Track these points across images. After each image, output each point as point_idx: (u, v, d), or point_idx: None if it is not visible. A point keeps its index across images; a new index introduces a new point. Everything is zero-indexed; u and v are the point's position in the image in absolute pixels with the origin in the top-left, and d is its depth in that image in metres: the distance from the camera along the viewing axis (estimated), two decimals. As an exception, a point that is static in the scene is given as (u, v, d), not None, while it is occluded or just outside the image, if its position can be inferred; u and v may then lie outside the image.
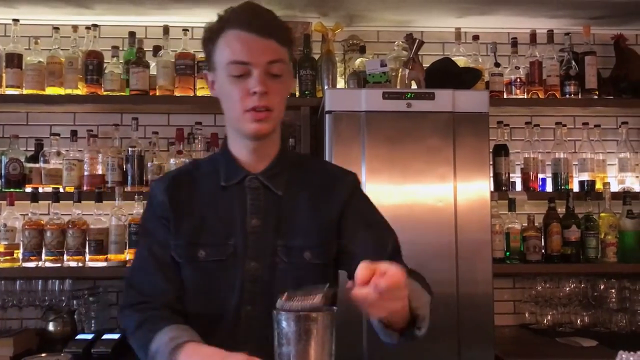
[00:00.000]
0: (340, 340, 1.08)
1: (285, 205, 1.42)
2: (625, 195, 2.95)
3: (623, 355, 0.80)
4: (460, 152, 2.46)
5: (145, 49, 2.93)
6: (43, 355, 2.36)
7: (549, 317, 2.97)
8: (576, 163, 3.12)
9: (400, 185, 2.42)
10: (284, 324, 1.02)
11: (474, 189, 2.47)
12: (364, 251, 1.37)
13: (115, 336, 2.47)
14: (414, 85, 2.72)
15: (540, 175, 3.07)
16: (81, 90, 2.92)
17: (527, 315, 3.07)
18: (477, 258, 2.42)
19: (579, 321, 2.95)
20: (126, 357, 2.38)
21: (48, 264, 2.74)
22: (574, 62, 3.03)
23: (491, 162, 2.86)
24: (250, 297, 1.35)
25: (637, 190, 3.06)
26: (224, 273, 1.37)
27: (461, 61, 2.97)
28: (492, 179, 2.89)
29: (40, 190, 2.83)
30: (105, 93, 2.90)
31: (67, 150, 2.91)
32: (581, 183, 3.07)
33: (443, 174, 2.45)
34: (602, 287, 2.93)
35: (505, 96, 3.02)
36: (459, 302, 2.38)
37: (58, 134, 2.94)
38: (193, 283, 1.39)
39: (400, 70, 2.83)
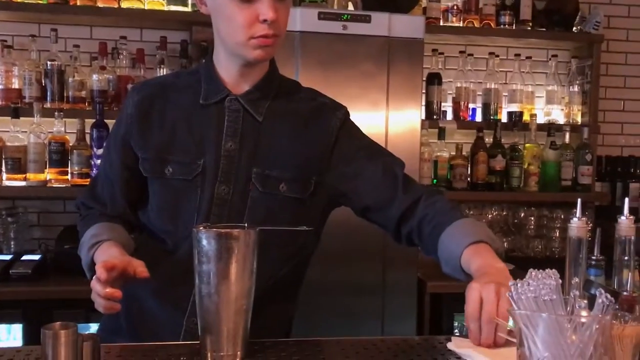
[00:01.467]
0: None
1: (265, 132, 1.34)
2: (550, 127, 3.04)
3: (532, 273, 0.83)
4: (394, 78, 2.44)
5: (64, -47, 2.71)
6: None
7: (471, 243, 3.08)
8: (506, 94, 3.17)
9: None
10: (204, 242, 0.99)
11: (406, 118, 2.47)
12: (373, 185, 1.34)
13: (36, 257, 2.39)
14: (350, 7, 2.65)
15: (471, 105, 3.11)
16: (-7, -4, 2.69)
17: (450, 240, 3.18)
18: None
19: (498, 247, 3.08)
20: (47, 279, 2.32)
21: (-39, 183, 2.60)
22: (510, -8, 3.03)
23: (424, 91, 2.87)
24: (216, 221, 1.27)
25: (562, 123, 3.15)
26: (191, 193, 1.32)
27: (399, -15, 2.91)
28: (424, 107, 2.91)
29: (-51, 103, 2.64)
30: (20, 0, 2.68)
31: (-22, 62, 2.70)
32: (510, 114, 3.13)
33: (376, 101, 2.44)
34: (522, 215, 3.06)
35: (441, 23, 3.00)
36: (386, 226, 2.43)
37: (-32, 44, 2.72)
38: (159, 199, 1.35)
39: (337, -10, 2.74)
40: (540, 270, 0.86)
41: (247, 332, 1.03)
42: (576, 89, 3.15)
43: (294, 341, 1.16)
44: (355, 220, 2.39)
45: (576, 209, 1.19)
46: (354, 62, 2.41)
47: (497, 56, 3.15)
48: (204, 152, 1.33)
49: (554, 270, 0.89)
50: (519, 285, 0.82)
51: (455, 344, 1.09)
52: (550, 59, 3.20)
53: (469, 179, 3.00)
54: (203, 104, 1.35)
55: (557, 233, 3.05)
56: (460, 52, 3.12)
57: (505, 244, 3.09)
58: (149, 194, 1.37)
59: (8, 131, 2.63)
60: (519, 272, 2.52)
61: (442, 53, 3.10)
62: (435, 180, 2.96)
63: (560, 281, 0.87)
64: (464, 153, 3.00)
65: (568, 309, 0.82)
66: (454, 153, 2.99)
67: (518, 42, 3.15)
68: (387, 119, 2.43)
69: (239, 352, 1.01)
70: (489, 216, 3.06)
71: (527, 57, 3.16)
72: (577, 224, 1.17)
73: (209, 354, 1.01)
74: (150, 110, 1.36)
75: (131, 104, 1.38)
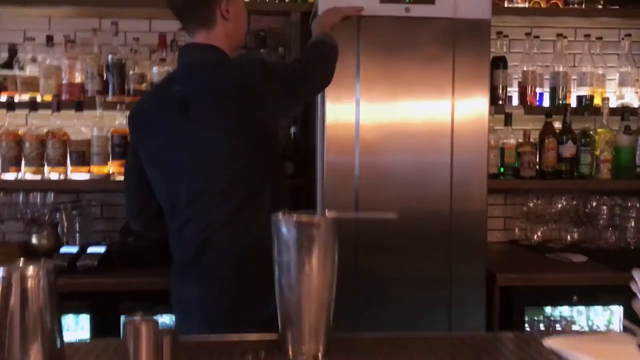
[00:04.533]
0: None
1: None
2: (624, 111, 2.87)
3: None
4: (459, 62, 2.34)
5: (124, -53, 2.72)
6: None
7: (538, 234, 2.96)
8: (575, 77, 3.01)
9: (396, 99, 2.32)
10: (283, 230, 0.94)
11: (473, 105, 2.36)
12: None
13: (101, 249, 2.41)
14: (412, -10, 2.55)
15: (538, 90, 2.97)
16: (55, -9, 2.71)
17: (517, 231, 3.07)
18: (473, 176, 2.35)
19: (568, 237, 2.94)
20: (112, 271, 2.34)
21: (28, 176, 2.64)
22: (580, -31, 2.87)
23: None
24: None
25: (636, 106, 2.98)
26: None
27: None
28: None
29: (17, 99, 2.69)
30: (81, -5, 2.71)
31: (43, 57, 2.74)
32: (579, 98, 2.98)
33: (441, 86, 2.34)
34: (594, 204, 2.91)
35: (505, 4, 2.87)
36: (452, 217, 2.33)
37: (33, 39, 2.76)
38: None
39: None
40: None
41: (329, 325, 0.98)
42: (652, 70, 2.98)
43: (375, 338, 1.10)
44: (419, 210, 2.34)
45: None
46: (417, 46, 2.32)
47: (565, 37, 2.99)
48: None
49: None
50: None
51: (554, 342, 1.01)
52: (623, 39, 3.03)
53: (537, 166, 2.87)
54: None
55: (632, 223, 2.89)
56: (526, 34, 2.99)
57: (575, 234, 2.96)
58: None
59: (72, 125, 2.66)
60: (592, 264, 2.40)
61: (507, 35, 2.97)
62: (502, 169, 2.84)
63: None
64: (531, 140, 2.86)
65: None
66: (521, 140, 2.86)
67: (588, 21, 2.99)
68: (453, 106, 2.33)
69: (320, 347, 0.96)
70: (559, 205, 2.92)
71: (597, 38, 3.00)
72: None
73: (290, 348, 0.96)
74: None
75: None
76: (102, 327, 2.25)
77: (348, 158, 2.28)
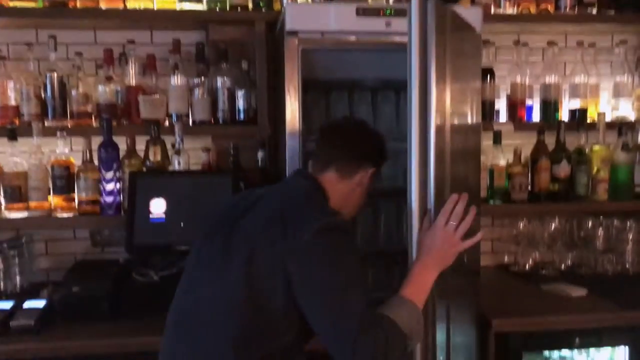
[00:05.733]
0: None
1: None
2: (621, 126, 2.64)
3: None
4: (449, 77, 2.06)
5: (59, -52, 2.36)
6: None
7: (530, 259, 2.73)
8: (567, 88, 2.77)
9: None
10: None
11: (466, 123, 2.09)
12: None
13: (40, 303, 2.08)
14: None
15: (528, 102, 2.72)
16: (-19, 0, 2.35)
17: (506, 256, 2.83)
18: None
19: (562, 264, 2.72)
20: (54, 329, 2.01)
21: (-46, 215, 2.29)
22: (571, -29, 2.62)
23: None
24: None
25: (632, 119, 2.75)
26: None
27: (445, -32, 2.51)
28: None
29: (-62, 125, 2.33)
30: (13, 4, 2.35)
31: (-32, 76, 2.38)
32: (572, 112, 2.74)
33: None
34: (589, 226, 2.67)
35: (492, 11, 2.60)
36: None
37: (-45, 56, 2.40)
38: None
39: (375, -21, 2.36)
40: None
41: None
42: (649, 79, 2.75)
43: None
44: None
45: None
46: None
47: (556, 44, 2.74)
48: None
49: None
50: None
51: None
52: (617, 45, 2.79)
53: (529, 187, 2.63)
54: None
55: (630, 246, 2.67)
56: (515, 42, 2.73)
57: (569, 260, 2.73)
58: None
59: (4, 153, 2.32)
60: (594, 299, 2.16)
61: (494, 43, 2.71)
62: (490, 191, 2.59)
63: None
64: (522, 159, 2.62)
65: None
66: (511, 159, 2.61)
67: (580, 27, 2.74)
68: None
69: None
70: (552, 227, 2.68)
71: (589, 45, 2.76)
72: None
73: None
74: None
75: None
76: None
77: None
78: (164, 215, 2.24)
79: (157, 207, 2.25)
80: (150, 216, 2.24)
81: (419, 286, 1.51)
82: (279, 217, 1.46)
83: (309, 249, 1.40)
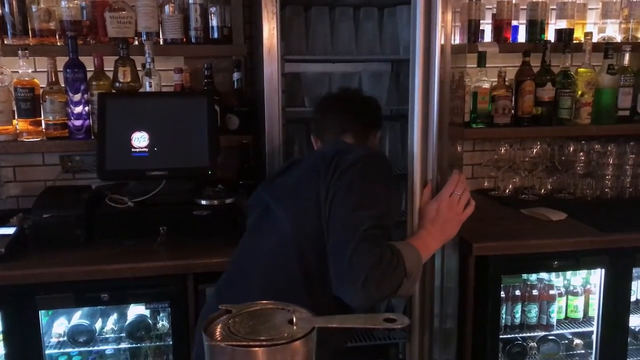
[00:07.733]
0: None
1: None
2: (607, 47, 2.57)
3: None
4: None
5: None
6: None
7: (510, 184, 2.72)
8: (554, 7, 2.67)
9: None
10: None
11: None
12: None
13: (10, 230, 2.00)
14: None
15: (514, 22, 2.63)
16: None
17: (486, 181, 2.81)
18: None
19: (542, 189, 2.71)
20: (25, 257, 1.95)
21: None
22: None
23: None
24: None
25: (619, 41, 2.68)
26: None
27: None
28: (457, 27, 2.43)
29: None
30: None
31: None
32: (558, 32, 2.65)
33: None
34: (571, 151, 2.65)
35: None
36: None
37: None
38: None
39: None
40: None
41: None
42: (638, -2, 2.66)
43: None
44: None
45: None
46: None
47: (545, -40, 2.62)
48: None
49: None
50: None
51: None
52: (608, -39, 2.69)
53: (512, 111, 2.57)
54: None
55: (610, 170, 2.66)
56: (502, -44, 2.60)
57: (550, 185, 2.72)
58: None
59: (-37, 75, 2.18)
60: (573, 222, 2.16)
61: (480, -42, 2.58)
62: (474, 115, 2.53)
63: None
64: (507, 82, 2.55)
65: None
66: (495, 81, 2.54)
67: (570, -59, 2.62)
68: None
69: None
70: (533, 152, 2.65)
71: (579, -40, 2.64)
72: None
73: None
74: None
75: None
76: (19, 324, 1.90)
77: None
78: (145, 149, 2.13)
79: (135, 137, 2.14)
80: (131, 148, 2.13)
81: (423, 248, 1.50)
82: (320, 159, 1.52)
83: (348, 169, 1.45)
